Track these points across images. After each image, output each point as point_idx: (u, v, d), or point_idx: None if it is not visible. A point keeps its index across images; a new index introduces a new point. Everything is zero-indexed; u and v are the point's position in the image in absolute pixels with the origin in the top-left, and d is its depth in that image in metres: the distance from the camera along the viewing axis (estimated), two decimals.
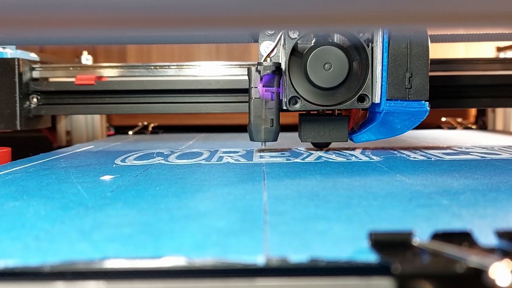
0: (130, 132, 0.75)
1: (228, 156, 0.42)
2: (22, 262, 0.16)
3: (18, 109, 0.50)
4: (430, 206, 0.23)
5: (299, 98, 0.40)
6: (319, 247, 0.17)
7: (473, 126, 0.77)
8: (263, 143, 0.41)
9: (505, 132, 0.70)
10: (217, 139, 0.61)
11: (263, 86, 0.40)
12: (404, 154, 0.42)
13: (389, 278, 0.15)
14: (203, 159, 0.40)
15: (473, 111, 0.81)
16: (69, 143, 0.71)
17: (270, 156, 0.42)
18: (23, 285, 0.16)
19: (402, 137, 0.58)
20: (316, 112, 0.43)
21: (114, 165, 0.38)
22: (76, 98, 0.53)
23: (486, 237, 0.17)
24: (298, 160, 0.39)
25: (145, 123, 0.79)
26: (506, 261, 0.13)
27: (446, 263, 0.15)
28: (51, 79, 0.56)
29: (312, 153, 0.43)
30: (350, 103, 0.40)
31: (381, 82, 0.39)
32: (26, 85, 0.51)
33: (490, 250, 0.16)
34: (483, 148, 0.47)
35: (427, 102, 0.38)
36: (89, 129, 0.74)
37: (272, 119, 0.40)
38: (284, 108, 0.41)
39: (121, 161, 0.40)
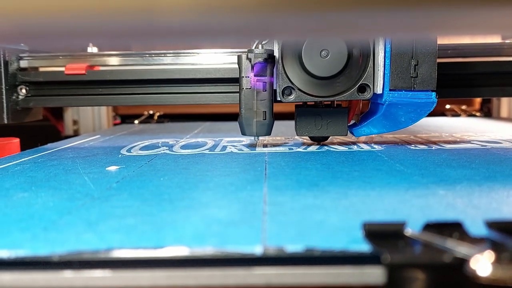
0: (136, 121, 0.76)
1: (231, 145, 0.43)
2: (31, 252, 0.17)
3: (4, 101, 0.47)
4: (425, 196, 0.23)
5: (293, 89, 0.37)
6: (315, 237, 0.18)
7: (478, 114, 0.77)
8: (255, 137, 0.39)
9: (509, 119, 0.70)
10: (222, 127, 0.62)
11: (255, 76, 0.37)
12: (406, 142, 0.43)
13: (380, 267, 0.16)
14: (207, 149, 0.41)
15: (478, 98, 0.81)
16: (76, 133, 0.73)
17: (273, 146, 0.42)
18: (33, 273, 0.17)
19: None
20: (313, 103, 0.40)
21: (120, 155, 0.38)
22: (67, 89, 0.49)
23: (477, 228, 0.18)
24: (300, 149, 0.40)
25: (151, 112, 0.80)
26: (488, 252, 0.14)
27: (435, 253, 0.15)
28: (41, 69, 0.53)
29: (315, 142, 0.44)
30: (350, 93, 0.37)
31: (384, 71, 0.36)
32: (13, 75, 0.49)
33: (479, 241, 0.16)
34: (485, 136, 0.47)
35: (434, 92, 0.36)
36: (95, 119, 0.75)
37: (265, 111, 0.37)
38: (278, 99, 0.38)
39: (126, 151, 0.41)
